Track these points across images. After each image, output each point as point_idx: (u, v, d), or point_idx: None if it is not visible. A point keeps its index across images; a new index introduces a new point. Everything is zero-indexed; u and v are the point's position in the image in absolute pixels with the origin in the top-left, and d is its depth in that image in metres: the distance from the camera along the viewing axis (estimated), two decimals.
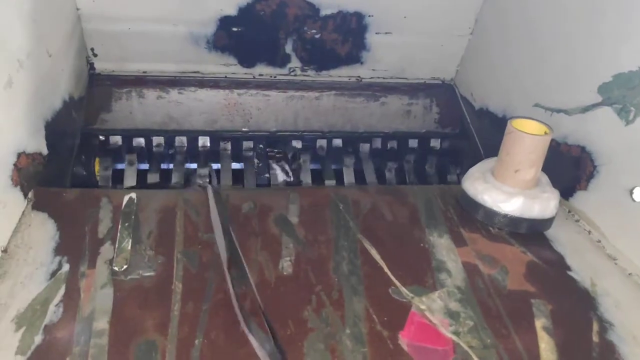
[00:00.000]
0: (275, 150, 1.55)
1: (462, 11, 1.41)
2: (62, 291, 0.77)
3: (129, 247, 0.86)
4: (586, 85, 1.04)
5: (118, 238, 0.88)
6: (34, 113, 1.01)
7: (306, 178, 1.52)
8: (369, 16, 1.38)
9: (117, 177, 1.45)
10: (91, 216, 0.92)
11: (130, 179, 1.43)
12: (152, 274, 0.82)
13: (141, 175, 1.45)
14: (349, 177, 1.53)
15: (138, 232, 0.90)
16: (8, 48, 0.93)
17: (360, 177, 1.54)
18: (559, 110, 1.12)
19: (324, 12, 1.36)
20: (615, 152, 0.98)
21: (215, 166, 1.53)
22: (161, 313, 0.75)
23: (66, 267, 0.81)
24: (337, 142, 1.58)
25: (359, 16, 1.38)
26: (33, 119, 1.00)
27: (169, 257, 0.85)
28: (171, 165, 1.49)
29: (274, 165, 1.51)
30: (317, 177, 1.53)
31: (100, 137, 1.46)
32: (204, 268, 0.84)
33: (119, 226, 0.90)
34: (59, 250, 0.85)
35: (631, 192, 0.93)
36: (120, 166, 1.48)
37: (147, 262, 0.84)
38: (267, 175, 1.53)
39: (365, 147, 1.58)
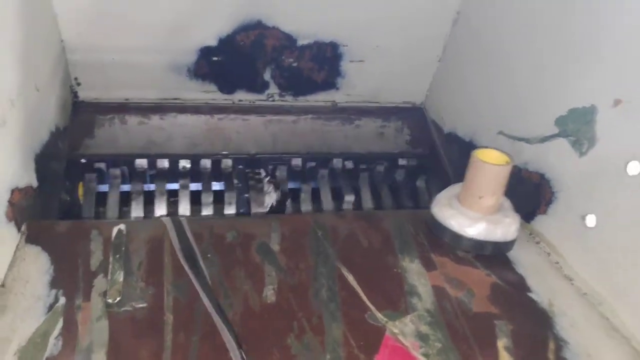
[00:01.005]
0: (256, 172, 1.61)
1: (430, 40, 1.49)
2: (60, 324, 0.82)
3: (121, 279, 0.91)
4: (544, 116, 1.12)
5: (110, 270, 0.93)
6: (25, 148, 1.05)
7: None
8: (344, 46, 1.45)
9: (101, 200, 1.49)
10: (83, 249, 0.97)
11: (113, 202, 1.48)
12: (144, 305, 0.87)
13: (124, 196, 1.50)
14: (325, 195, 1.60)
15: (129, 264, 0.95)
16: (1, 89, 0.97)
17: (336, 195, 1.61)
18: (520, 139, 1.21)
19: (300, 42, 1.43)
20: (571, 181, 1.06)
21: (196, 186, 1.59)
22: (155, 344, 0.80)
23: (62, 300, 0.86)
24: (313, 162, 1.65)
25: (334, 46, 1.45)
26: (24, 154, 1.05)
27: (159, 288, 0.91)
28: (153, 186, 1.54)
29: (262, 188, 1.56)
30: (295, 195, 1.59)
31: (83, 160, 1.51)
32: (193, 298, 0.89)
33: (110, 258, 0.95)
34: (54, 283, 0.89)
35: (584, 218, 1.01)
36: (103, 189, 1.53)
37: (139, 294, 0.89)
38: (246, 195, 1.59)
39: (340, 166, 1.66)
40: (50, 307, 0.85)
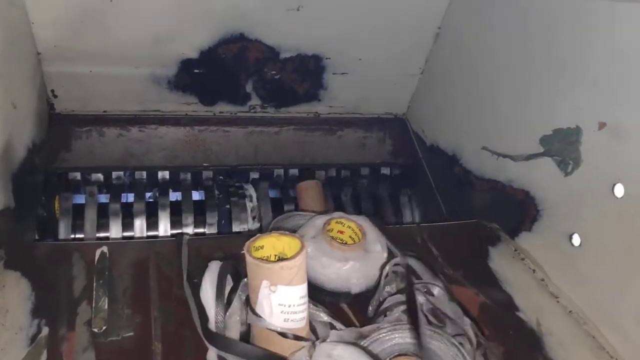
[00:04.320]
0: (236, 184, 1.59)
1: (413, 53, 1.49)
2: (44, 357, 0.79)
3: (106, 306, 0.88)
4: (529, 135, 1.13)
5: (94, 297, 0.90)
6: (3, 170, 1.02)
7: (266, 209, 1.57)
8: (327, 58, 1.44)
9: (77, 212, 1.45)
10: (65, 273, 0.94)
11: (91, 217, 1.44)
12: (131, 334, 0.85)
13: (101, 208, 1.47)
14: None
15: (113, 290, 0.92)
16: None
17: None
18: (504, 155, 1.21)
19: (283, 55, 1.41)
20: (556, 200, 1.07)
21: (175, 196, 1.56)
22: None
23: (46, 331, 0.83)
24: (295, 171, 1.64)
25: (316, 58, 1.44)
26: (2, 175, 1.01)
27: (146, 315, 0.88)
28: (131, 196, 1.51)
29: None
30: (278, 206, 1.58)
31: (59, 173, 1.46)
32: (181, 325, 0.87)
33: (94, 284, 0.92)
34: (36, 312, 0.86)
35: (570, 237, 1.02)
36: (80, 201, 1.49)
37: (126, 322, 0.86)
38: (227, 206, 1.56)
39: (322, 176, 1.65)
40: (33, 338, 0.82)
